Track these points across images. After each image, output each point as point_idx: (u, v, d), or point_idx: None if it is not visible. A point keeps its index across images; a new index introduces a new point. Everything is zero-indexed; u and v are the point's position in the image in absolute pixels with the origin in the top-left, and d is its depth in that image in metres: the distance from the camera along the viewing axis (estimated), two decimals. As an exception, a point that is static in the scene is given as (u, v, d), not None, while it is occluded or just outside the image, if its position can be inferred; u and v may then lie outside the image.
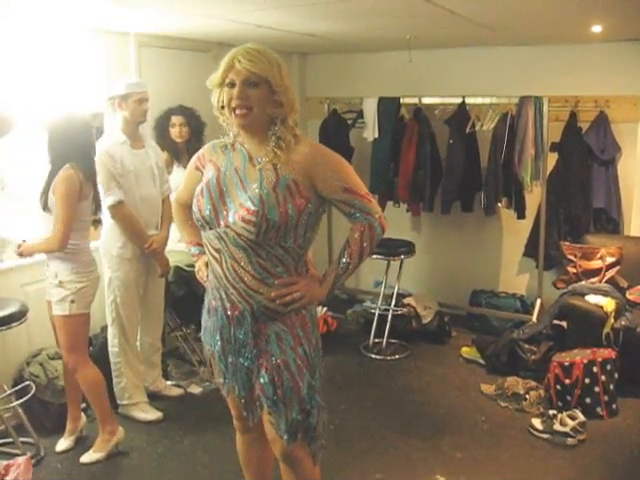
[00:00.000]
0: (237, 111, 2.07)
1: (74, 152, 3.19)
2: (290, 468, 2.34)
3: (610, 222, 4.96)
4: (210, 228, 2.16)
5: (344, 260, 2.19)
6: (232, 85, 2.06)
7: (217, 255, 2.17)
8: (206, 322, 2.35)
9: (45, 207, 3.18)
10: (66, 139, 3.19)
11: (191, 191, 2.29)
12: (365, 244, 2.17)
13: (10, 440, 3.39)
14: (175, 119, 4.41)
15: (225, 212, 2.13)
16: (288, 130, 2.11)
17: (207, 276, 2.33)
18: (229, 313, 2.21)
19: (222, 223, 2.13)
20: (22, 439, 3.41)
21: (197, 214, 2.19)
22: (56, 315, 3.29)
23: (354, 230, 2.18)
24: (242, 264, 2.13)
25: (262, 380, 2.21)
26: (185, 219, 2.46)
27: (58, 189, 3.14)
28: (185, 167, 4.13)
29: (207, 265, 2.32)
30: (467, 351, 4.81)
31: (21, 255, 3.31)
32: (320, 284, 2.23)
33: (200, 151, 2.35)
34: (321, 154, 2.17)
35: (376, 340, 5.02)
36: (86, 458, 3.41)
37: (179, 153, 4.42)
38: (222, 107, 2.12)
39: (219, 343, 2.28)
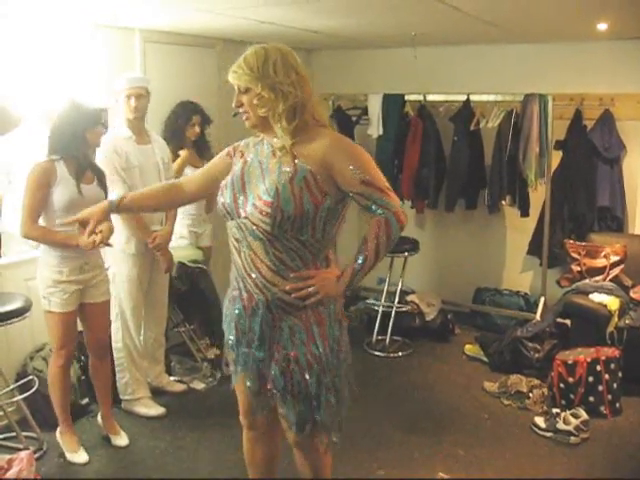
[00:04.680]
0: (243, 115, 2.20)
1: None
2: (302, 454, 2.43)
3: (614, 220, 4.94)
4: (231, 218, 2.22)
5: (361, 257, 2.17)
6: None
7: (237, 245, 2.23)
8: (226, 310, 2.38)
9: None
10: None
11: (202, 176, 2.44)
12: (381, 240, 2.14)
13: (13, 434, 3.39)
14: (195, 119, 4.32)
15: (245, 203, 2.18)
16: (285, 128, 2.12)
17: None
18: (245, 303, 2.25)
19: (242, 214, 2.18)
20: (25, 433, 3.41)
21: (220, 204, 2.26)
22: (108, 299, 3.50)
23: (371, 226, 2.16)
24: (259, 255, 2.17)
25: (273, 372, 2.24)
26: (159, 194, 2.54)
27: None
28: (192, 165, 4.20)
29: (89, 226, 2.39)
30: (470, 349, 4.81)
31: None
32: (337, 280, 2.21)
33: (237, 142, 2.40)
34: (341, 145, 2.17)
35: (379, 337, 5.02)
36: (123, 441, 3.52)
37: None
38: None
39: (233, 332, 2.32)
